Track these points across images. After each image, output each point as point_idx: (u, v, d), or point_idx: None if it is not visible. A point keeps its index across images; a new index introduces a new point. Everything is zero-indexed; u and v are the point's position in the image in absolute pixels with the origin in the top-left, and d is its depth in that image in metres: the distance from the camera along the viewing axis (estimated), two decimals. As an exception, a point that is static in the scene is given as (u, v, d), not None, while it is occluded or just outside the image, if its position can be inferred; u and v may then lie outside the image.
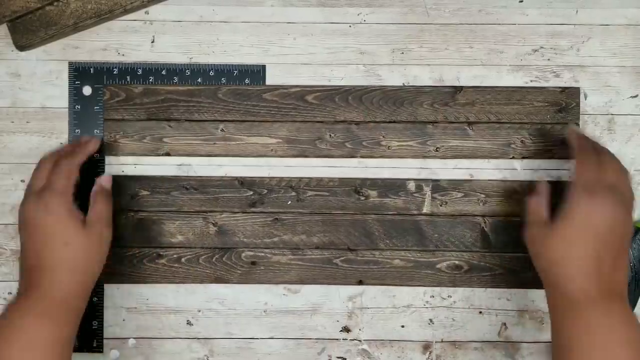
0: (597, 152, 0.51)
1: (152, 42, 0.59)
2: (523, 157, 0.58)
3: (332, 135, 0.58)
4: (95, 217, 0.52)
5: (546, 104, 0.58)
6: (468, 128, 0.58)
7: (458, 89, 0.58)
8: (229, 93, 0.58)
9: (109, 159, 0.58)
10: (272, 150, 0.58)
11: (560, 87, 0.58)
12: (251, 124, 0.58)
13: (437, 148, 0.58)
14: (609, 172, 0.49)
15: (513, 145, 0.58)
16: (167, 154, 0.58)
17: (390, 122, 0.58)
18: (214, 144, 0.58)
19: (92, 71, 0.58)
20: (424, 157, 0.58)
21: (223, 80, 0.58)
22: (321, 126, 0.58)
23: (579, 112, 0.58)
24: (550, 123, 0.58)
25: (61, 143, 0.58)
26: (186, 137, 0.58)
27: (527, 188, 0.57)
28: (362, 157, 0.58)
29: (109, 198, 0.55)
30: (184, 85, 0.58)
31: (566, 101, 0.58)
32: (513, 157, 0.58)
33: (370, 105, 0.58)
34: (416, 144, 0.58)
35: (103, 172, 0.58)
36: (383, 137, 0.58)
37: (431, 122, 0.58)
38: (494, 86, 0.58)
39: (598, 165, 0.50)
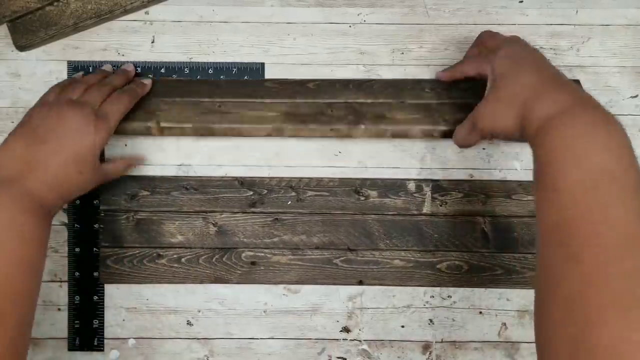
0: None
1: (152, 42, 0.59)
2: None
3: (333, 110, 0.56)
4: (111, 169, 0.54)
5: None
6: (474, 103, 0.56)
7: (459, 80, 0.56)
8: (230, 83, 0.58)
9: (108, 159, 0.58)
10: (269, 121, 0.55)
11: None
12: (251, 103, 0.56)
13: (445, 119, 0.55)
14: (495, 37, 0.54)
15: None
16: (158, 124, 0.55)
17: (393, 100, 0.56)
18: (208, 114, 0.56)
19: (90, 70, 0.58)
20: (433, 126, 0.55)
21: (222, 77, 0.58)
22: (322, 103, 0.56)
23: None
24: None
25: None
26: (180, 113, 0.56)
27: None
28: (366, 127, 0.55)
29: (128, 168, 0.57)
30: (186, 78, 0.58)
31: None
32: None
33: (371, 91, 0.57)
34: (423, 116, 0.56)
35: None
36: (387, 111, 0.56)
37: (436, 102, 0.56)
38: None
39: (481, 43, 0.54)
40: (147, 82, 0.56)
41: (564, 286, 0.37)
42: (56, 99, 0.51)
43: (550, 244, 0.39)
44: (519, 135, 0.46)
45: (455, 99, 0.56)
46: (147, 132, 0.55)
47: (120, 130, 0.54)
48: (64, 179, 0.48)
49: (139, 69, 0.58)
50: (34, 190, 0.47)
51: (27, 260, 0.46)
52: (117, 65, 0.58)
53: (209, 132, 0.55)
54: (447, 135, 0.55)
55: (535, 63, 0.47)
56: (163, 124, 0.55)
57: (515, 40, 0.51)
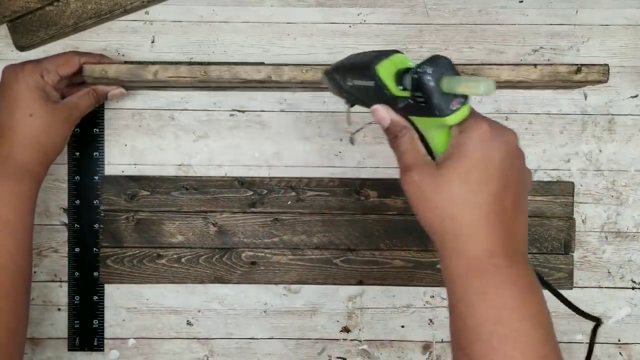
0: None
1: (152, 42, 0.59)
2: None
3: None
4: (72, 101, 0.53)
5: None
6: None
7: None
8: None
9: (108, 159, 0.58)
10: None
11: (575, 64, 0.57)
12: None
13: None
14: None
15: None
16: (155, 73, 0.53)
17: None
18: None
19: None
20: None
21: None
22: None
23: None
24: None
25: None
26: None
27: (385, 132, 0.42)
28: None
29: (98, 99, 0.55)
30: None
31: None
32: None
33: None
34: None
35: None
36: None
37: None
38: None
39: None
40: (117, 92, 0.55)
41: None
42: None
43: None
44: (434, 239, 0.39)
45: None
46: (140, 77, 0.53)
47: (113, 78, 0.53)
48: (19, 128, 0.49)
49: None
50: (4, 153, 0.49)
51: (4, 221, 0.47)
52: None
53: (205, 76, 0.53)
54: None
55: (504, 181, 0.37)
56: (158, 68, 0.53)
57: (507, 137, 0.38)
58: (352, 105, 0.44)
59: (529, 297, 0.37)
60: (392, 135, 0.41)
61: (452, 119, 0.36)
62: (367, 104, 0.41)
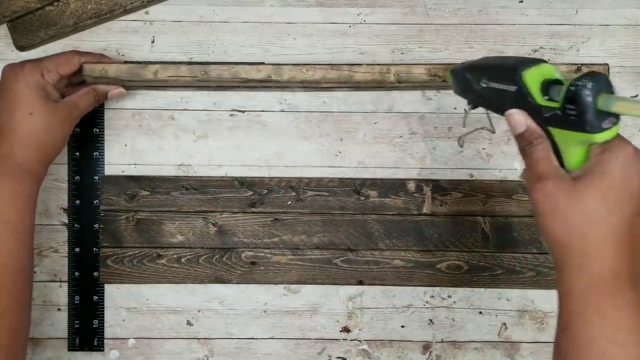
0: None
1: (152, 42, 0.59)
2: None
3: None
4: (72, 101, 0.53)
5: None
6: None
7: None
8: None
9: (108, 159, 0.58)
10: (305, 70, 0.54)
11: (576, 64, 0.57)
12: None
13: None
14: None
15: None
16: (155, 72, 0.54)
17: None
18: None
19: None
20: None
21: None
22: None
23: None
24: None
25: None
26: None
27: (516, 138, 0.41)
28: (367, 65, 0.54)
29: (98, 99, 0.55)
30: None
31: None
32: None
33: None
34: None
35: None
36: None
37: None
38: None
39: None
40: (117, 92, 0.55)
41: None
42: None
43: None
44: (555, 252, 0.39)
45: None
46: (140, 77, 0.54)
47: (114, 76, 0.54)
48: (19, 127, 0.50)
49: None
50: (4, 152, 0.49)
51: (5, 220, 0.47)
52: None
53: (205, 76, 0.54)
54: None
55: (637, 208, 0.37)
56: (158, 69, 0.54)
57: None
58: (474, 107, 0.44)
59: (636, 312, 0.36)
60: (525, 142, 0.40)
61: (601, 136, 0.37)
62: (498, 108, 0.41)
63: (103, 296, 0.58)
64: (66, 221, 0.58)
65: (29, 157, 0.50)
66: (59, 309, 0.58)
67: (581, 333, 0.37)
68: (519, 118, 0.40)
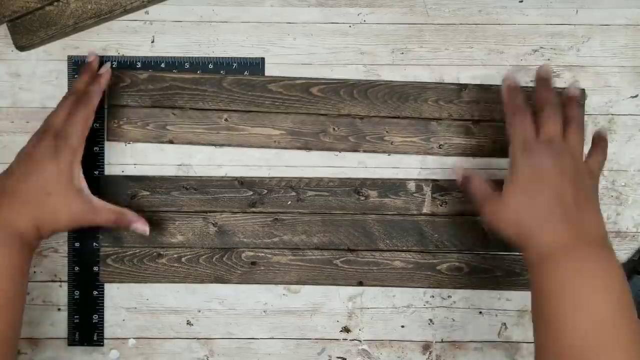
0: (530, 107, 0.51)
1: (152, 42, 0.59)
2: None
3: (336, 128, 0.58)
4: (95, 206, 0.52)
5: None
6: (472, 126, 0.58)
7: (463, 87, 0.58)
8: (234, 83, 0.58)
9: (108, 159, 0.58)
10: (275, 141, 0.58)
11: (564, 88, 0.58)
12: (255, 115, 0.58)
13: (440, 145, 0.58)
14: (544, 126, 0.49)
15: None
16: (170, 142, 0.58)
17: (394, 117, 0.58)
18: (217, 133, 0.58)
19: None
20: (427, 153, 0.58)
21: (222, 72, 0.58)
22: (325, 119, 0.58)
23: (584, 112, 0.58)
24: None
25: (75, 76, 0.58)
26: (190, 126, 0.58)
27: (455, 183, 0.55)
28: (365, 151, 0.58)
29: (119, 223, 0.54)
30: (188, 73, 0.58)
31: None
32: None
33: (375, 99, 0.58)
34: (419, 140, 0.58)
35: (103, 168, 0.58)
36: (386, 132, 0.58)
37: (435, 119, 0.58)
38: (499, 85, 0.58)
39: (530, 123, 0.50)
40: (104, 72, 0.55)
41: None
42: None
43: None
44: (516, 246, 0.48)
45: (456, 119, 0.58)
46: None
47: (131, 139, 0.57)
48: (33, 205, 0.49)
49: (139, 64, 0.58)
50: (6, 218, 0.48)
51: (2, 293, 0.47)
52: (116, 59, 0.58)
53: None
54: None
55: (557, 188, 0.46)
56: (174, 142, 0.58)
57: (558, 142, 0.48)
58: None
59: (593, 267, 0.43)
60: (462, 186, 0.53)
61: None
62: None
63: (103, 291, 0.58)
64: (66, 221, 0.58)
65: (32, 231, 0.50)
66: (59, 309, 0.58)
67: (540, 290, 0.45)
68: (458, 172, 0.54)
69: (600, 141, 0.52)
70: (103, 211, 0.53)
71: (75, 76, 0.58)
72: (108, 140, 0.58)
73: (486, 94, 0.58)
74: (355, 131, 0.58)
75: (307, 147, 0.58)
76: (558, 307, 0.42)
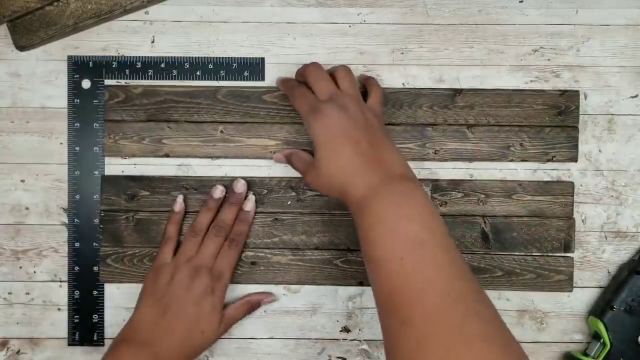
0: (299, 82, 0.55)
1: (152, 42, 0.59)
2: (522, 160, 0.58)
3: None
4: (233, 316, 0.56)
5: (546, 107, 0.58)
6: (467, 131, 0.58)
7: (457, 92, 0.58)
8: (229, 94, 0.58)
9: (109, 159, 0.58)
10: (271, 152, 0.58)
11: (559, 90, 0.58)
12: (250, 126, 0.58)
13: (435, 151, 0.58)
14: (318, 85, 0.52)
15: (512, 148, 0.58)
16: (167, 155, 0.58)
17: (389, 124, 0.58)
18: (213, 145, 0.58)
19: (91, 65, 0.58)
20: (423, 159, 0.58)
21: (222, 73, 0.58)
22: None
23: (578, 115, 0.58)
24: (550, 126, 0.58)
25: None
26: (185, 139, 0.58)
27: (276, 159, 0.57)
28: None
29: (253, 309, 0.58)
30: (182, 80, 0.58)
31: (565, 104, 0.58)
32: (512, 160, 0.58)
33: None
34: (415, 146, 0.58)
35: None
36: None
37: (430, 125, 0.58)
38: (493, 89, 0.58)
39: (307, 90, 0.52)
40: (249, 208, 0.57)
41: (402, 349, 0.40)
42: (176, 262, 0.55)
43: (384, 312, 0.43)
44: (342, 203, 0.50)
45: (451, 124, 0.58)
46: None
47: (128, 153, 0.58)
48: (189, 342, 0.53)
49: (138, 64, 0.58)
50: (161, 354, 0.51)
51: None
52: (116, 59, 0.58)
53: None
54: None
55: (352, 138, 0.49)
56: (170, 155, 0.59)
57: (335, 99, 0.51)
58: None
59: (397, 198, 0.46)
60: (289, 164, 0.56)
61: None
62: None
63: (103, 291, 0.58)
64: (66, 221, 0.58)
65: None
66: (59, 309, 0.58)
67: (359, 228, 0.47)
68: (278, 157, 0.57)
69: (370, 80, 0.56)
70: (238, 315, 0.57)
71: (76, 77, 0.58)
72: (106, 156, 0.58)
73: (480, 98, 0.58)
74: None
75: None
76: (375, 240, 0.45)
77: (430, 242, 0.43)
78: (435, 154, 0.58)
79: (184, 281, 0.53)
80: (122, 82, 0.58)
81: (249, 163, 0.59)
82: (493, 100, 0.58)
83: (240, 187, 0.57)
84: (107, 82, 0.58)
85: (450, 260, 0.43)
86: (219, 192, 0.57)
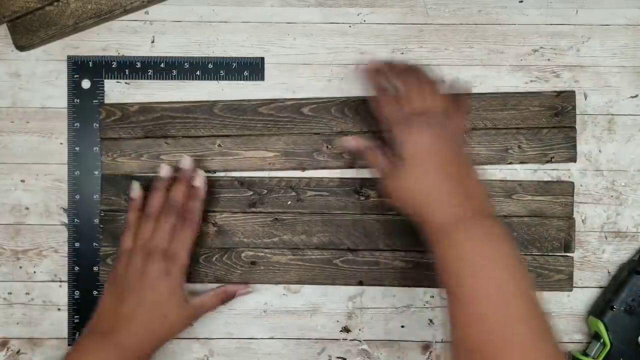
0: (395, 83, 0.53)
1: (152, 42, 0.59)
2: (521, 162, 0.58)
3: (330, 146, 0.58)
4: (202, 303, 0.55)
5: (542, 109, 0.58)
6: (466, 135, 0.58)
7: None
8: (225, 108, 0.58)
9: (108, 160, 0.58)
10: (269, 163, 0.58)
11: (555, 91, 0.58)
12: (248, 138, 0.58)
13: None
14: (413, 99, 0.51)
15: (510, 151, 0.58)
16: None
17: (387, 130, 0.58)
18: (212, 159, 0.58)
19: (90, 65, 0.58)
20: None
21: (222, 73, 0.58)
22: (318, 138, 0.58)
23: (575, 115, 0.58)
24: (547, 127, 0.58)
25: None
26: (184, 154, 0.57)
27: (354, 155, 0.57)
28: (359, 167, 0.58)
29: (226, 300, 0.57)
30: (182, 79, 0.58)
31: (562, 105, 0.58)
32: (511, 162, 0.58)
33: (366, 115, 0.58)
34: None
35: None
36: None
37: None
38: (489, 92, 0.58)
39: (399, 99, 0.51)
40: (199, 184, 0.55)
41: None
42: (131, 246, 0.54)
43: (462, 353, 0.42)
44: (416, 223, 0.49)
45: None
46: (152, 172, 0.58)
47: (126, 171, 0.58)
48: (151, 327, 0.51)
49: (138, 64, 0.58)
50: (124, 342, 0.50)
51: None
52: (116, 59, 0.58)
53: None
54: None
55: (441, 159, 0.48)
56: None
57: (431, 114, 0.50)
58: None
59: (482, 237, 0.44)
60: (360, 155, 0.54)
61: None
62: None
63: (103, 291, 0.58)
64: (66, 221, 0.58)
65: (143, 351, 0.51)
66: (58, 309, 0.58)
67: (439, 261, 0.46)
68: (351, 140, 0.54)
69: (460, 101, 0.54)
70: (210, 301, 0.56)
71: (76, 76, 0.58)
72: (103, 172, 0.58)
73: (477, 102, 0.58)
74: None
75: (301, 167, 0.58)
76: (459, 278, 0.44)
77: (514, 293, 0.42)
78: None
79: (138, 266, 0.52)
80: (122, 82, 0.58)
81: (248, 175, 0.58)
82: (489, 104, 0.58)
83: (185, 162, 0.56)
84: (107, 82, 0.58)
85: (535, 315, 0.41)
86: (164, 170, 0.56)
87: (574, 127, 0.58)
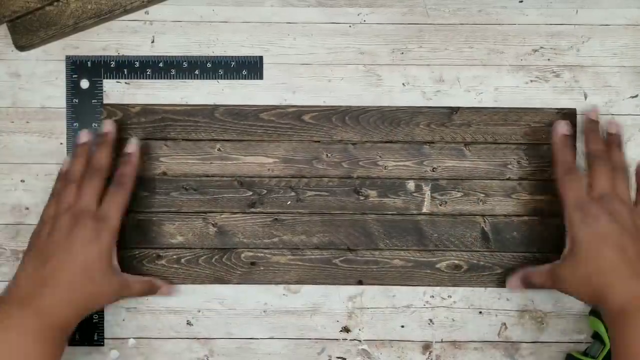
0: (577, 167, 0.53)
1: (152, 42, 0.59)
2: (520, 178, 0.58)
3: (329, 155, 0.58)
4: (129, 281, 0.54)
5: (542, 125, 0.58)
6: (464, 148, 0.58)
7: (454, 110, 0.58)
8: (226, 113, 0.58)
9: (108, 159, 0.58)
10: (268, 169, 0.58)
11: (556, 108, 0.58)
12: (248, 144, 0.58)
13: (433, 168, 0.58)
14: (596, 182, 0.51)
15: (509, 166, 0.58)
16: (164, 174, 0.58)
17: (386, 142, 0.58)
18: (211, 163, 0.58)
19: (89, 64, 0.58)
20: (421, 177, 0.58)
21: (221, 72, 0.58)
22: (318, 146, 0.58)
23: (575, 133, 0.58)
24: (547, 143, 0.58)
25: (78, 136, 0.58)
26: (183, 157, 0.58)
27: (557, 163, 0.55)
28: (358, 177, 0.58)
29: (151, 292, 0.56)
30: (181, 79, 0.58)
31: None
32: (509, 178, 0.58)
33: (367, 125, 0.58)
34: (412, 163, 0.58)
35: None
36: (380, 157, 0.58)
37: (427, 143, 0.58)
38: (490, 107, 0.58)
39: (582, 183, 0.52)
40: (132, 150, 0.55)
41: None
42: (55, 211, 0.52)
43: None
44: (593, 306, 0.52)
45: (448, 141, 0.58)
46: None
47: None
48: (76, 291, 0.49)
49: (137, 64, 0.58)
50: (47, 308, 0.48)
51: None
52: (114, 59, 0.58)
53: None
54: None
55: (618, 245, 0.48)
56: (167, 173, 0.58)
57: (607, 203, 0.50)
58: None
59: None
60: (527, 287, 0.56)
61: None
62: None
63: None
64: (66, 221, 0.58)
65: (73, 319, 0.50)
66: (58, 309, 0.58)
67: (619, 346, 0.47)
68: (512, 283, 0.56)
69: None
70: (135, 285, 0.54)
71: (74, 76, 0.58)
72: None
73: (477, 116, 0.58)
74: (348, 157, 0.58)
75: (300, 175, 0.58)
76: (625, 345, 0.45)
77: None
78: (433, 171, 0.58)
79: (64, 229, 0.50)
80: (122, 81, 0.58)
81: (247, 180, 0.58)
82: (490, 118, 0.58)
83: (107, 126, 0.55)
84: (107, 82, 0.58)
85: None
86: (83, 136, 0.55)
87: (574, 145, 0.57)
